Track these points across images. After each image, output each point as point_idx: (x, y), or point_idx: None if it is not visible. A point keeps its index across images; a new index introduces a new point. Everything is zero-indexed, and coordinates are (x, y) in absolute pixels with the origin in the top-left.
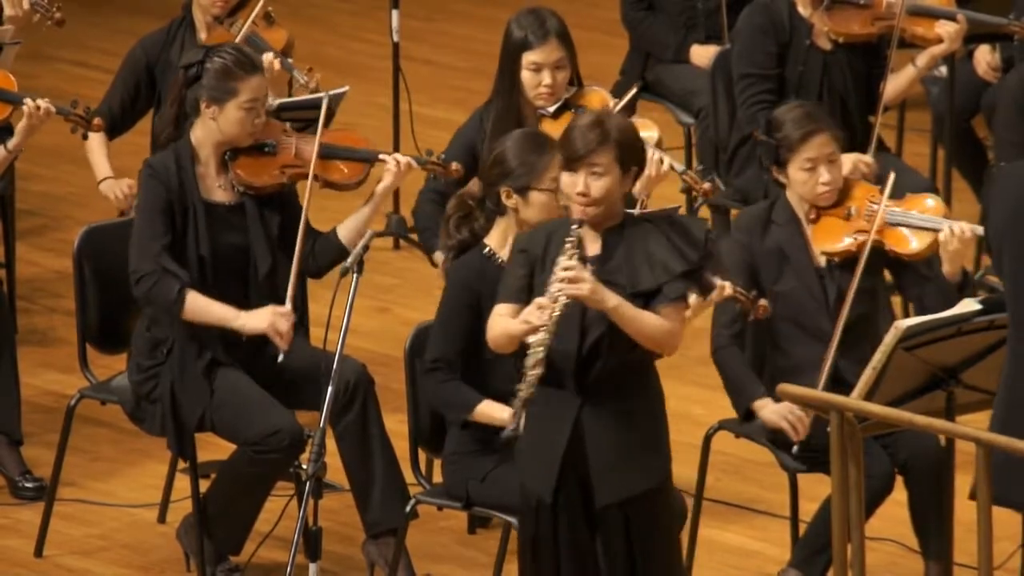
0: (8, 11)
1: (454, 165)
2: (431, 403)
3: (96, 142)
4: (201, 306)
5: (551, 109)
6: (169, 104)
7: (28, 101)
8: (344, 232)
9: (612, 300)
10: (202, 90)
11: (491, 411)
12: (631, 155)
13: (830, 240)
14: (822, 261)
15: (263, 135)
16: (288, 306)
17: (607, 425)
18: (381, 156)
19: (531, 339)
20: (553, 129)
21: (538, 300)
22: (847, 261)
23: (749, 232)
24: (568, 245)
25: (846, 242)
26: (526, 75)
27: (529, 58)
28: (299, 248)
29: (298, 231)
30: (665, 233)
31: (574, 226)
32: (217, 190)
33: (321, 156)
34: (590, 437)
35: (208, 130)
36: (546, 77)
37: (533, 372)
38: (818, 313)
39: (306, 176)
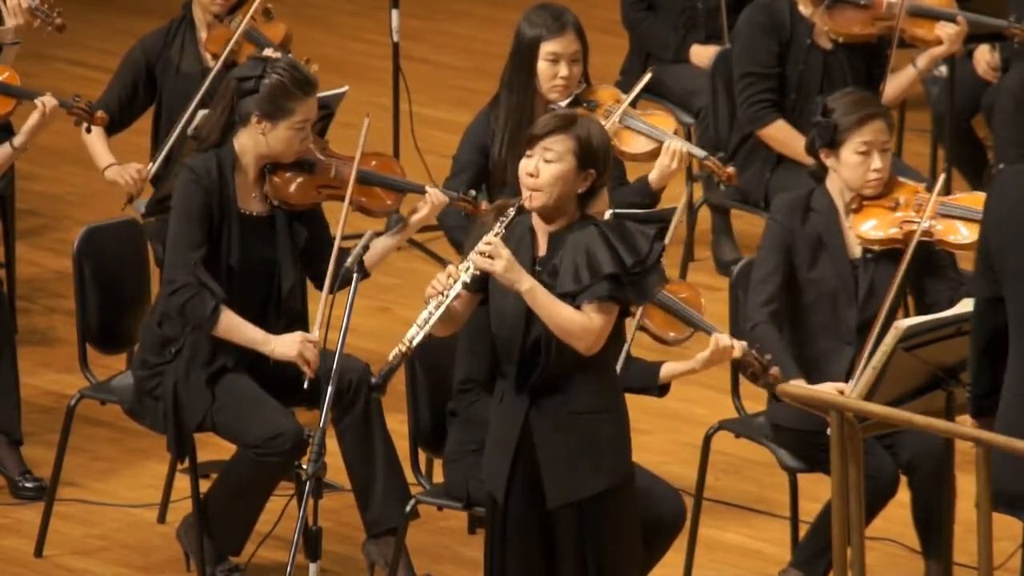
0: (10, 22)
1: (484, 204)
2: (463, 419)
3: (96, 134)
4: (234, 325)
5: (563, 104)
6: (219, 112)
7: (47, 99)
8: (367, 257)
9: (526, 283)
10: (255, 104)
11: None
12: (592, 156)
13: (875, 228)
14: (857, 252)
15: (305, 152)
16: (316, 333)
17: (556, 425)
18: (426, 188)
19: (430, 303)
20: None
21: (449, 267)
22: (885, 253)
23: (790, 215)
24: (500, 222)
25: (892, 231)
26: (543, 66)
27: (547, 48)
28: (330, 272)
29: (319, 246)
30: (607, 238)
31: (512, 208)
32: (252, 200)
33: (360, 181)
34: (540, 437)
35: (255, 142)
36: (563, 69)
37: (421, 329)
38: (847, 305)
39: (341, 198)
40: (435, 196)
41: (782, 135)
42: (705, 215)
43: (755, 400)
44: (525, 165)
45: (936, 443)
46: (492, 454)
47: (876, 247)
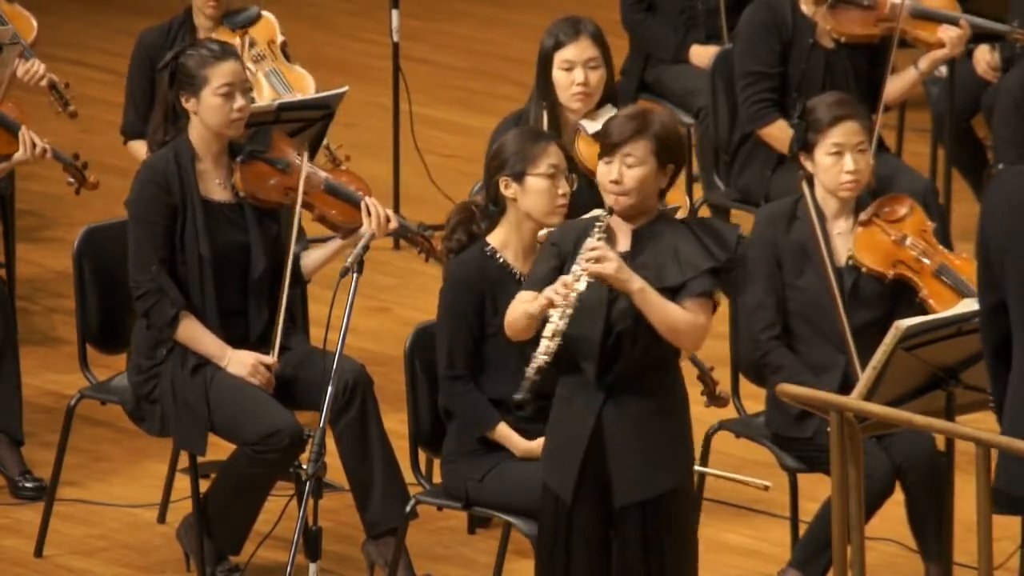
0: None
1: (440, 247)
2: (450, 411)
3: (144, 147)
4: (194, 335)
5: (591, 129)
6: (157, 108)
7: (23, 132)
8: (308, 261)
9: (637, 283)
10: (179, 85)
11: (509, 435)
12: (669, 152)
13: (871, 255)
14: (843, 259)
15: (277, 153)
16: (274, 356)
17: (629, 424)
18: (365, 201)
19: (551, 312)
20: (591, 150)
21: (562, 278)
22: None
23: (773, 226)
24: (596, 228)
25: (882, 268)
26: (559, 75)
27: (561, 56)
28: (285, 291)
29: (283, 245)
30: (695, 233)
31: (603, 213)
32: (217, 188)
33: (326, 191)
34: (611, 436)
35: (196, 126)
36: (579, 75)
37: (551, 341)
38: (833, 313)
39: (306, 204)
40: (376, 215)
41: (783, 134)
42: (705, 215)
43: (755, 400)
44: (607, 172)
45: (928, 446)
46: (558, 455)
47: (863, 268)
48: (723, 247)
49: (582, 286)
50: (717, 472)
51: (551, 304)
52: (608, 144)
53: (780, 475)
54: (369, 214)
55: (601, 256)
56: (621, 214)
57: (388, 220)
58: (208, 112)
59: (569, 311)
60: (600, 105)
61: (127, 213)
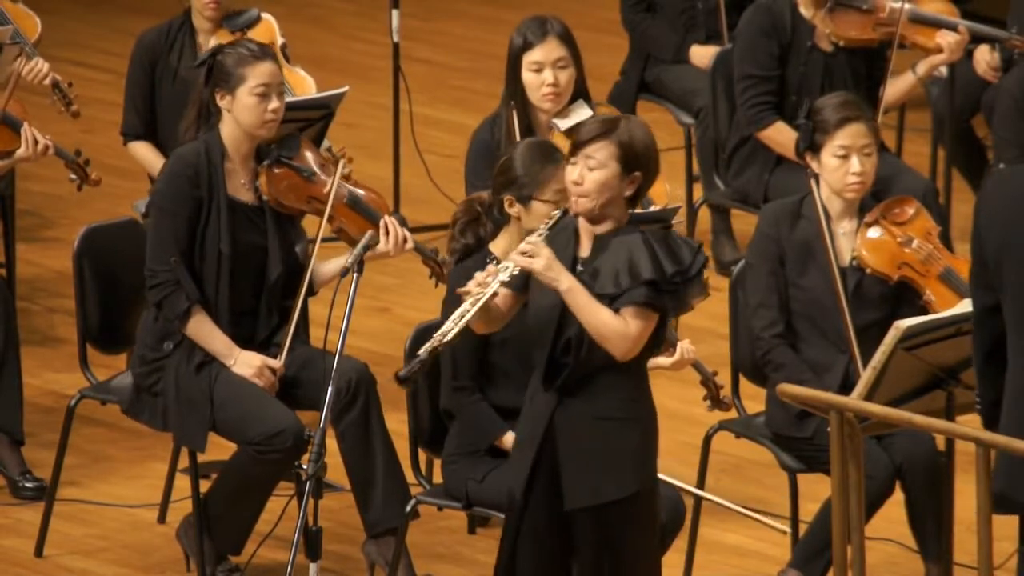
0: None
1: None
2: (452, 414)
3: (145, 149)
4: (203, 330)
5: (563, 126)
6: (191, 106)
7: (25, 128)
8: (321, 272)
9: (566, 282)
10: (215, 82)
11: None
12: (635, 159)
13: (876, 256)
14: (847, 259)
15: (305, 161)
16: (281, 360)
17: (579, 429)
18: (385, 220)
19: (467, 299)
20: (566, 147)
21: (489, 266)
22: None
23: (777, 223)
24: (543, 225)
25: (887, 270)
26: (528, 77)
27: (530, 58)
28: (298, 302)
29: (296, 251)
30: (651, 245)
31: (558, 212)
32: (242, 189)
33: (349, 205)
34: (563, 439)
35: (229, 123)
36: (548, 76)
37: (456, 324)
38: (835, 313)
39: (328, 216)
40: (394, 236)
41: (782, 137)
42: (705, 215)
43: (755, 400)
44: (570, 172)
45: (928, 446)
46: (518, 452)
47: (868, 270)
48: (675, 261)
49: (505, 276)
50: (738, 508)
51: (468, 291)
52: (575, 144)
53: (780, 475)
54: (387, 233)
55: (532, 251)
56: (584, 217)
57: (405, 241)
58: (242, 111)
59: (483, 299)
60: (571, 101)
61: (151, 202)
